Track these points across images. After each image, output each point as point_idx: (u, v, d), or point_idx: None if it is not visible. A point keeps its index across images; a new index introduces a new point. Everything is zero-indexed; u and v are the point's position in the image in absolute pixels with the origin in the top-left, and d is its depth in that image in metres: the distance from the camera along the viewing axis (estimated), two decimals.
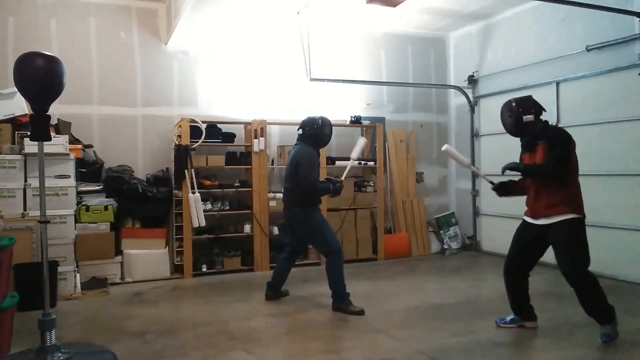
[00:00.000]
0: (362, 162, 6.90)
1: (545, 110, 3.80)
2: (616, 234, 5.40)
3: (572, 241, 3.52)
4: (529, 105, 3.75)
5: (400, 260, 6.92)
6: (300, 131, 4.77)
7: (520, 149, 3.88)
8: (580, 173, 3.68)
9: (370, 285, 5.50)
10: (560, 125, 5.57)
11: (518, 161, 3.82)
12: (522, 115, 3.70)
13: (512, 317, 3.93)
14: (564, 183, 3.55)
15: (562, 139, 3.60)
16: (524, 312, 3.88)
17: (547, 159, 3.55)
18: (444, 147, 4.13)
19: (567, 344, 3.57)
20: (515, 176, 3.80)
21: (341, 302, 4.45)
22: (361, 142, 5.06)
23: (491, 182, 3.92)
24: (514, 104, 3.76)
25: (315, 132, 4.69)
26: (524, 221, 3.81)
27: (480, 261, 6.92)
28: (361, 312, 4.34)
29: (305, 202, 4.59)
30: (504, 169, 3.66)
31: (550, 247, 3.67)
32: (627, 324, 3.95)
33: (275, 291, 4.90)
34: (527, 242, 3.76)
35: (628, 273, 5.31)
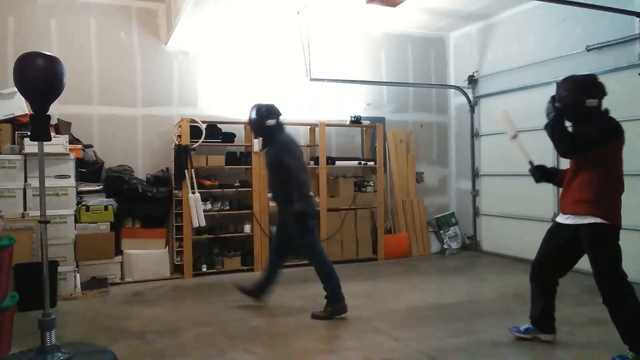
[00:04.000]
0: (362, 162, 6.91)
1: (606, 94, 3.24)
2: None
3: (598, 251, 3.22)
4: (593, 86, 3.20)
5: (400, 260, 6.92)
6: (260, 138, 4.60)
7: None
8: None
9: (370, 285, 5.50)
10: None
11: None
12: (585, 99, 3.16)
13: (527, 326, 3.62)
14: (598, 181, 3.19)
15: (601, 125, 3.15)
16: (544, 323, 3.56)
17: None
18: (501, 112, 3.73)
19: (567, 344, 3.57)
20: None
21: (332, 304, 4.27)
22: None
23: (530, 163, 3.51)
24: (574, 82, 3.22)
25: (261, 126, 4.45)
26: (556, 222, 3.48)
27: (480, 261, 6.92)
28: (343, 310, 4.22)
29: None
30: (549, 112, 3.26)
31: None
32: None
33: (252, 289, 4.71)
34: (558, 244, 3.42)
35: (628, 273, 5.29)
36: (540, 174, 3.54)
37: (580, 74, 3.48)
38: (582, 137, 3.17)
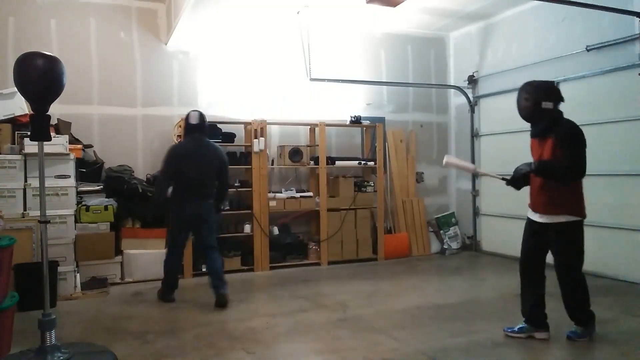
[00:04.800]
0: (362, 162, 6.91)
1: (563, 101, 3.56)
2: (616, 234, 5.40)
3: (569, 244, 3.48)
4: (550, 90, 3.53)
5: (400, 260, 6.92)
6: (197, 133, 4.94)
7: (516, 142, 3.76)
8: None
9: (370, 285, 5.50)
10: None
11: (530, 146, 3.67)
12: (541, 101, 3.47)
13: (520, 325, 3.70)
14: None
15: (577, 138, 3.42)
16: (537, 319, 3.65)
17: (563, 158, 3.36)
18: (444, 160, 3.91)
19: (567, 344, 3.57)
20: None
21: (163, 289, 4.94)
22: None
23: (503, 179, 3.66)
24: (534, 87, 3.54)
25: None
26: (528, 218, 3.68)
27: (480, 261, 6.92)
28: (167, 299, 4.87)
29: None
30: (517, 176, 3.49)
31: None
32: (626, 324, 3.96)
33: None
34: (537, 239, 3.61)
35: (628, 273, 5.31)
36: (518, 182, 3.61)
37: (541, 80, 3.67)
38: (575, 155, 3.36)
